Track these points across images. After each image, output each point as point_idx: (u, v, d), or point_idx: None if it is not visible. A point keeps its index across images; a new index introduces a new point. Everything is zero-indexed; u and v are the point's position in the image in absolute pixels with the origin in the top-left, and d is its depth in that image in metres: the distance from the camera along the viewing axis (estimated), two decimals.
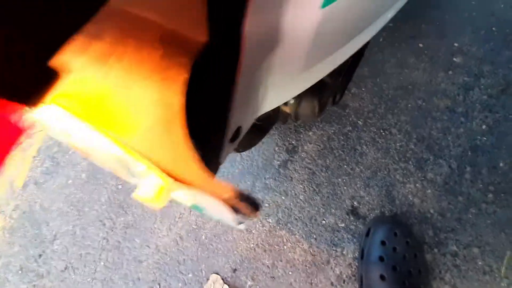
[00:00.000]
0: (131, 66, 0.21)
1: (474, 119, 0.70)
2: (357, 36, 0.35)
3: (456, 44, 0.77)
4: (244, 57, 0.23)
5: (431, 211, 0.66)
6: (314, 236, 0.68)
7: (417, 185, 0.68)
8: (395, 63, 0.77)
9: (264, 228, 0.70)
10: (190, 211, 0.74)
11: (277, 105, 0.37)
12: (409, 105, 0.73)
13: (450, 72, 0.75)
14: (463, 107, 0.72)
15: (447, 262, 0.62)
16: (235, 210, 0.23)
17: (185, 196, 0.25)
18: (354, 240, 0.67)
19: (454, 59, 0.76)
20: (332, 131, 0.74)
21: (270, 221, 0.71)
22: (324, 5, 0.25)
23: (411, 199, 0.67)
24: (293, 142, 0.75)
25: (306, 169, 0.73)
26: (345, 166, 0.72)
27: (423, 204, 0.67)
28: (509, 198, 0.64)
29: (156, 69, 0.21)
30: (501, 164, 0.66)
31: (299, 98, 0.47)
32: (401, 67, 0.77)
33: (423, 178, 0.68)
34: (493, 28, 0.77)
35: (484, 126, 0.69)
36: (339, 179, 0.71)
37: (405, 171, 0.69)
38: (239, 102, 0.25)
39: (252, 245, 0.70)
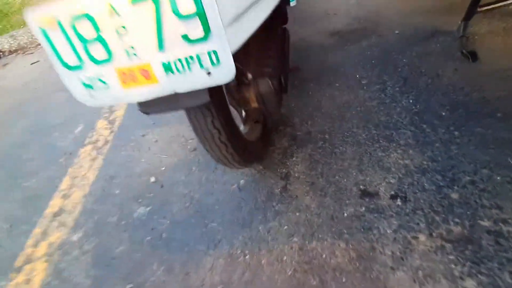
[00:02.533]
0: None
1: (401, 101, 0.90)
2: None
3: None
4: None
5: (425, 163, 0.72)
6: (345, 231, 0.64)
7: (398, 151, 0.76)
8: (329, 96, 1.01)
9: (293, 249, 0.64)
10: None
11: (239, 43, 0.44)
12: (353, 112, 0.92)
13: (365, 88, 1.00)
14: (390, 98, 0.93)
15: (468, 193, 0.63)
16: None
17: None
18: (382, 215, 0.65)
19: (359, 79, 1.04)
20: (309, 150, 0.85)
21: (296, 239, 0.66)
22: None
23: (402, 162, 0.73)
24: (283, 171, 0.82)
25: (305, 183, 0.77)
26: (334, 166, 0.78)
27: (414, 161, 0.72)
28: (466, 129, 0.75)
29: None
30: (443, 113, 0.81)
31: (254, 80, 0.62)
32: (333, 97, 1.01)
33: (399, 145, 0.77)
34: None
35: (411, 100, 0.89)
36: (336, 177, 0.75)
37: (382, 148, 0.78)
38: None
39: (289, 272, 0.61)
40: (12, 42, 2.73)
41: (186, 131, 1.06)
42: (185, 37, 0.36)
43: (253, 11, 0.45)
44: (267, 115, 0.68)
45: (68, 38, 0.38)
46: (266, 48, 0.71)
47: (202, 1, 0.34)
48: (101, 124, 1.26)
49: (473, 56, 0.95)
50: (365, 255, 0.59)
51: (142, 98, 0.42)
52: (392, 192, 0.68)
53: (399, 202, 0.66)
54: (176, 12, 0.35)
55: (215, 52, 0.37)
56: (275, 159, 0.85)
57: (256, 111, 0.68)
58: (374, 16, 1.34)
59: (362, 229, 0.63)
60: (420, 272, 0.55)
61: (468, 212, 0.61)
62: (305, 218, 0.69)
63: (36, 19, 0.38)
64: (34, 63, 2.29)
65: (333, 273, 0.58)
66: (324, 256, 0.61)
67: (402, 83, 0.95)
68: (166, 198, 0.85)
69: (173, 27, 0.35)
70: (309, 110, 0.97)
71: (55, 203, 0.95)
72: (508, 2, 0.99)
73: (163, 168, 0.95)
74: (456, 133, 0.76)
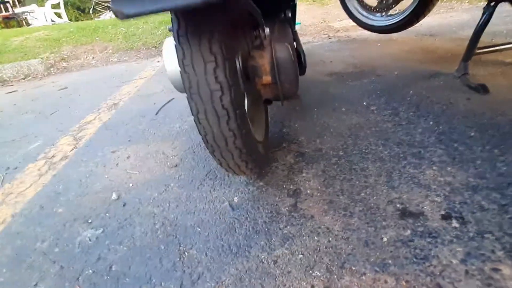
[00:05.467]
0: None
1: (420, 123, 0.80)
2: None
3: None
4: None
5: (471, 180, 0.57)
6: (390, 261, 0.44)
7: (433, 168, 0.61)
8: (336, 118, 0.90)
9: (317, 287, 0.42)
10: None
11: None
12: (367, 132, 0.80)
13: (375, 112, 0.91)
14: (405, 120, 0.82)
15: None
16: None
17: None
18: (439, 240, 0.46)
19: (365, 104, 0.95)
20: (322, 166, 0.68)
21: (318, 273, 0.44)
22: None
23: (442, 179, 0.58)
24: (291, 187, 0.63)
25: (321, 201, 0.58)
26: (357, 182, 0.61)
27: (457, 179, 0.57)
28: (506, 147, 0.64)
29: None
30: (472, 134, 0.71)
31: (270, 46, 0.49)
32: (341, 120, 0.90)
33: (432, 162, 0.63)
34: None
35: (431, 122, 0.79)
36: (362, 194, 0.58)
37: (412, 164, 0.63)
38: None
39: None
40: None
41: (169, 149, 0.87)
42: None
43: None
44: (282, 91, 0.53)
45: None
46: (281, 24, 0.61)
47: None
48: (64, 140, 1.06)
49: (484, 88, 0.91)
50: None
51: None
52: (443, 212, 0.51)
53: (455, 223, 0.48)
54: None
55: None
56: (279, 175, 0.67)
57: (267, 88, 0.54)
58: (370, 63, 1.36)
59: (414, 259, 0.43)
60: None
61: None
62: (328, 245, 0.48)
63: None
64: (10, 92, 2.13)
65: None
66: None
67: (415, 109, 0.87)
68: (128, 219, 0.61)
69: None
70: (316, 129, 0.84)
71: None
72: (503, 47, 1.03)
73: (131, 185, 0.73)
74: (495, 151, 0.63)
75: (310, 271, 0.44)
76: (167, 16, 3.48)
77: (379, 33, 1.61)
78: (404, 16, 1.38)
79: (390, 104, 0.93)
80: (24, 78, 2.58)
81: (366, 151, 0.71)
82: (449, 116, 0.80)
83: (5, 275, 0.52)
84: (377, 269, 0.42)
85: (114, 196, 0.69)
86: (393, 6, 1.45)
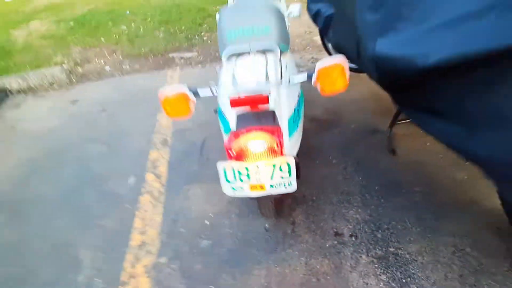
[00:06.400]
0: None
1: (354, 178, 1.62)
2: None
3: None
4: None
5: (367, 217, 1.41)
6: (327, 254, 1.29)
7: (353, 209, 1.45)
8: (313, 169, 1.69)
9: (301, 263, 1.26)
10: None
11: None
12: (329, 182, 1.61)
13: (334, 165, 1.71)
14: (349, 175, 1.64)
15: (387, 233, 1.33)
16: None
17: None
18: (345, 246, 1.32)
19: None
20: (305, 206, 1.50)
21: (303, 259, 1.28)
22: None
23: (355, 216, 1.42)
24: (290, 219, 1.45)
25: (306, 226, 1.41)
26: (319, 215, 1.44)
27: (361, 215, 1.42)
28: (387, 199, 1.48)
29: None
30: (376, 187, 1.54)
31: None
32: (315, 171, 1.69)
33: (354, 206, 1.47)
34: None
35: (360, 177, 1.61)
36: (321, 223, 1.41)
37: (345, 207, 1.47)
38: None
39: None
40: (21, 82, 3.05)
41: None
42: (282, 177, 0.99)
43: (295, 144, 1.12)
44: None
45: (233, 172, 0.97)
46: None
47: (291, 169, 0.98)
48: (149, 177, 1.78)
49: (393, 152, 1.73)
50: (340, 270, 1.23)
51: (256, 196, 1.04)
52: (350, 233, 1.36)
53: (353, 238, 1.33)
54: (280, 170, 0.98)
55: (290, 184, 1.01)
56: (284, 212, 1.48)
57: None
58: (339, 110, 2.10)
59: (336, 253, 1.28)
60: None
61: (384, 241, 1.30)
62: (306, 247, 1.32)
63: (223, 165, 0.97)
64: (51, 108, 2.66)
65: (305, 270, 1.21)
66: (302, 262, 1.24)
67: (356, 165, 1.68)
68: (219, 235, 1.41)
69: (278, 174, 0.98)
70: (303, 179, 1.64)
71: (135, 237, 1.44)
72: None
73: (211, 215, 1.51)
74: (382, 200, 1.48)
75: (300, 257, 1.28)
76: (166, 16, 3.81)
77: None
78: None
79: (344, 158, 1.73)
80: (49, 86, 3.05)
81: (325, 197, 1.53)
82: (372, 173, 1.62)
83: (178, 262, 1.32)
84: (312, 252, 1.27)
85: (206, 222, 1.48)
86: None
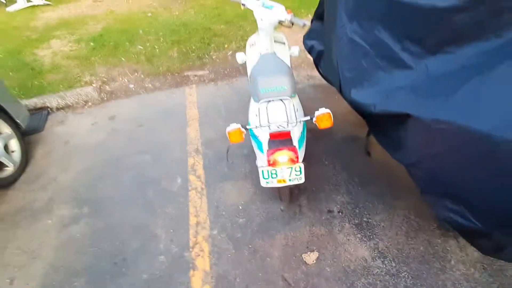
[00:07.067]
0: None
1: (342, 186, 2.38)
2: None
3: None
4: None
5: (339, 198, 2.17)
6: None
7: (337, 201, 2.21)
8: (315, 168, 2.44)
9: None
10: None
11: None
12: (320, 183, 2.36)
13: (327, 166, 2.46)
14: (334, 179, 2.39)
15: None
16: None
17: None
18: (329, 227, 2.08)
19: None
20: (305, 196, 2.25)
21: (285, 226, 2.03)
22: None
23: (333, 207, 2.18)
24: (297, 204, 2.19)
25: (309, 210, 2.15)
26: (319, 197, 2.19)
27: (338, 203, 2.18)
28: (362, 192, 2.24)
29: None
30: (356, 179, 2.30)
31: None
32: (318, 168, 2.43)
33: (334, 201, 2.23)
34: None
35: (344, 175, 2.37)
36: (318, 204, 2.16)
37: (324, 200, 2.22)
38: None
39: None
40: (60, 100, 3.68)
41: (248, 184, 2.37)
42: (296, 175, 1.72)
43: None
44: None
45: (268, 172, 1.70)
46: None
47: (301, 170, 1.71)
48: (191, 177, 2.50)
49: (368, 154, 2.49)
50: (331, 233, 1.98)
51: (280, 186, 1.77)
52: (338, 210, 2.11)
53: (340, 213, 2.09)
54: (295, 170, 1.71)
55: (300, 178, 1.74)
56: (293, 199, 2.22)
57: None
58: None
59: (329, 223, 2.03)
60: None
61: (360, 214, 2.05)
62: (309, 220, 2.07)
63: (261, 168, 1.70)
64: (93, 124, 3.31)
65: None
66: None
67: (342, 164, 2.43)
68: (249, 215, 2.14)
69: (293, 173, 1.71)
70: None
71: (192, 219, 2.16)
72: None
73: (242, 202, 2.24)
74: (359, 188, 2.24)
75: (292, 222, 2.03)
76: (176, 36, 4.47)
77: None
78: None
79: (333, 160, 2.48)
80: (85, 104, 3.69)
81: (320, 187, 2.27)
82: (352, 169, 2.38)
83: (225, 232, 2.06)
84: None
85: (240, 207, 2.21)
86: None
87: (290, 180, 1.74)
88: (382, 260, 1.81)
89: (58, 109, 3.64)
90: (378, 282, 1.71)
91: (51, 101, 3.68)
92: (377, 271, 1.76)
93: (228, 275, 1.82)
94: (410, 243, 1.88)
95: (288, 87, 1.74)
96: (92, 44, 4.60)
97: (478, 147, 1.14)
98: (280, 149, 1.64)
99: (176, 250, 1.99)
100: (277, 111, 1.72)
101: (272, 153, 1.64)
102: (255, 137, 1.87)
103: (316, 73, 3.07)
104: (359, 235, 1.95)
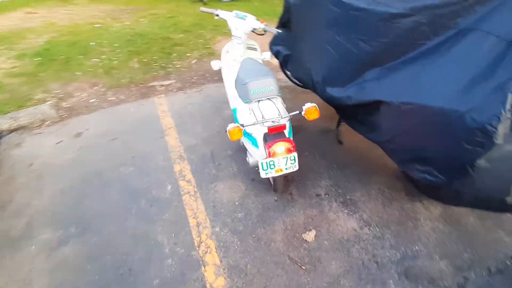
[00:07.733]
0: None
1: (324, 172, 2.72)
2: None
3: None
4: None
5: (322, 184, 2.52)
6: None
7: (320, 186, 2.55)
8: (306, 162, 2.74)
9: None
10: None
11: None
12: (310, 173, 2.68)
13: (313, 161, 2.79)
14: (316, 165, 2.73)
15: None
16: None
17: None
18: (320, 209, 2.40)
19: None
20: (296, 184, 2.54)
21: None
22: None
23: (315, 191, 2.52)
24: (290, 191, 2.47)
25: (302, 195, 2.44)
26: (307, 182, 2.49)
27: (319, 187, 2.52)
28: (343, 174, 2.61)
29: None
30: (335, 166, 2.67)
31: None
32: (309, 162, 2.74)
33: (319, 185, 2.56)
34: None
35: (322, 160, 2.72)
36: (308, 190, 2.46)
37: (310, 184, 2.55)
38: None
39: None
40: (11, 122, 3.48)
41: (239, 182, 2.58)
42: (291, 163, 1.99)
43: None
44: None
45: (267, 164, 1.94)
46: None
47: (295, 158, 1.99)
48: (182, 183, 2.62)
49: (341, 142, 2.89)
50: (322, 213, 2.29)
51: (278, 175, 2.02)
52: (325, 193, 2.44)
53: (327, 195, 2.41)
54: (290, 159, 1.98)
55: (295, 166, 2.02)
56: (285, 189, 2.50)
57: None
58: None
59: (318, 205, 2.35)
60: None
61: (343, 194, 2.41)
62: (301, 205, 2.35)
63: (260, 161, 1.93)
64: (58, 143, 3.20)
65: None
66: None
67: (321, 154, 2.79)
68: (247, 208, 2.35)
69: (289, 162, 1.98)
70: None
71: (192, 221, 2.29)
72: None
73: (237, 198, 2.44)
74: (338, 172, 2.60)
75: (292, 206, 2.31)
76: (133, 46, 4.51)
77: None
78: None
79: (312, 151, 2.82)
80: (41, 123, 3.52)
81: (306, 175, 2.59)
82: (330, 157, 2.74)
83: (226, 229, 2.24)
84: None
85: (236, 203, 2.40)
86: None
87: (286, 168, 2.00)
88: (368, 227, 2.17)
89: (11, 131, 3.42)
90: (369, 245, 2.05)
91: (1, 123, 3.46)
92: (366, 237, 2.11)
93: (239, 264, 2.00)
94: (387, 210, 2.28)
95: (275, 88, 2.02)
96: (39, 59, 4.37)
97: (436, 118, 1.55)
98: (277, 141, 1.90)
99: (182, 251, 2.10)
100: (269, 108, 1.98)
101: (271, 146, 1.90)
102: (248, 135, 2.10)
103: (282, 75, 3.42)
104: (346, 211, 2.29)
